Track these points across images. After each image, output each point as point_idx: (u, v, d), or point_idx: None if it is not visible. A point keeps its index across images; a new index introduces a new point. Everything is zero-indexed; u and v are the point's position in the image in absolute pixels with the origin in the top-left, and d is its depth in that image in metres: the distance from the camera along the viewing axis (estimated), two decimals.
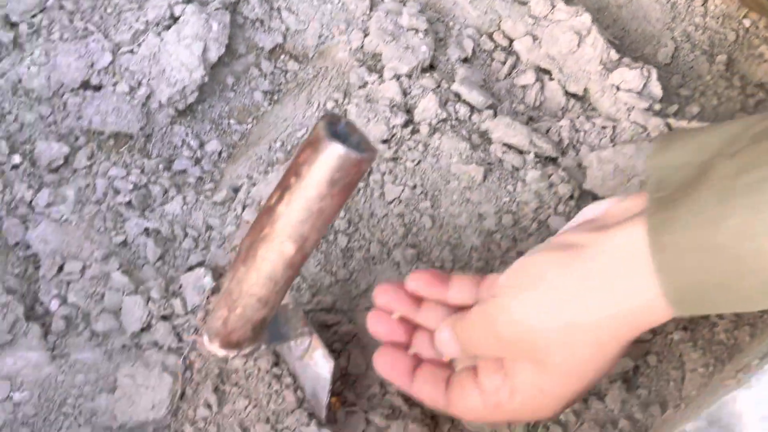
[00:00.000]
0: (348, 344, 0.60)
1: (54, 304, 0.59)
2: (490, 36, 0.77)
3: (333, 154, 0.36)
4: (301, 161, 0.38)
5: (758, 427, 0.38)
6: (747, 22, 0.80)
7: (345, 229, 0.66)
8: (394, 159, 0.68)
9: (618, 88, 0.69)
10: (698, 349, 0.55)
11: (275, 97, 0.76)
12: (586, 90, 0.71)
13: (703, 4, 0.81)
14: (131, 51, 0.71)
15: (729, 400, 0.40)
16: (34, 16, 0.72)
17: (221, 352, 0.46)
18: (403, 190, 0.66)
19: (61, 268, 0.61)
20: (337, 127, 0.38)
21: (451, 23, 0.77)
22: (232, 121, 0.75)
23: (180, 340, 0.58)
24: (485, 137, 0.69)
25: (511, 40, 0.76)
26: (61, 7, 0.73)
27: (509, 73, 0.74)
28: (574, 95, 0.72)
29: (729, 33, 0.79)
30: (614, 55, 0.72)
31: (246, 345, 0.46)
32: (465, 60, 0.75)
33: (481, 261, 0.63)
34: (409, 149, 0.68)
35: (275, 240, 0.39)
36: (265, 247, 0.40)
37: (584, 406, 0.55)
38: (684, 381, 0.54)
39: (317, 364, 0.51)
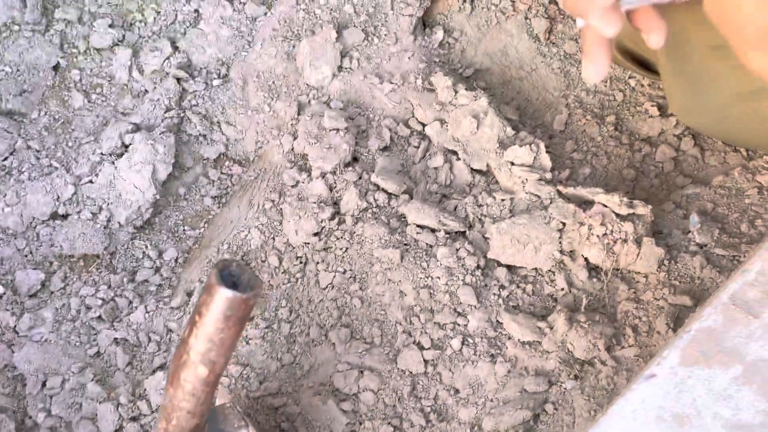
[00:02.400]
0: (294, 423, 0.69)
1: (41, 417, 0.69)
2: (406, 123, 0.87)
3: (222, 297, 0.46)
4: (201, 303, 0.48)
5: None
6: (633, 82, 0.89)
7: (287, 317, 0.75)
8: (325, 249, 0.78)
9: (512, 164, 0.78)
10: (585, 396, 0.64)
11: (223, 200, 0.87)
12: (488, 166, 0.81)
13: None
14: (90, 181, 0.82)
15: None
16: (5, 159, 0.83)
17: None
18: (334, 276, 0.76)
19: (44, 384, 0.71)
20: (230, 269, 0.48)
21: (371, 115, 0.87)
22: (186, 228, 0.85)
23: None
24: (402, 220, 0.78)
25: (423, 125, 0.86)
26: (29, 147, 0.85)
27: (423, 156, 0.84)
28: (479, 171, 0.82)
29: (617, 94, 0.89)
30: (510, 131, 0.81)
31: None
32: (384, 148, 0.85)
33: (405, 333, 0.72)
34: (337, 239, 0.78)
35: (191, 366, 0.49)
36: (185, 371, 0.49)
37: None
38: (574, 425, 0.63)
39: None
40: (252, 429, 0.60)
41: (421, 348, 0.71)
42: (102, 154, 0.83)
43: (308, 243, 0.78)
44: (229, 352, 0.49)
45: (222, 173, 0.88)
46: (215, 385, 0.51)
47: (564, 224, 0.73)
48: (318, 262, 0.77)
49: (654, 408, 0.49)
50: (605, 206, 0.73)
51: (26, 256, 0.79)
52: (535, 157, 0.78)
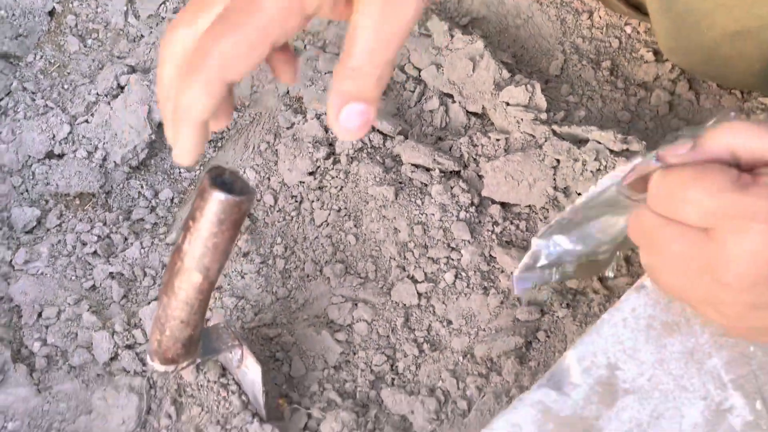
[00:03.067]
0: (289, 352, 0.70)
1: (36, 346, 0.69)
2: (402, 68, 0.87)
3: (216, 200, 0.47)
4: (195, 207, 0.48)
5: (580, 377, 0.48)
6: (629, 29, 0.89)
7: (282, 253, 0.76)
8: (320, 188, 0.78)
9: (508, 104, 0.79)
10: (577, 323, 0.64)
11: (219, 144, 0.87)
12: (483, 108, 0.81)
13: (589, 18, 0.90)
14: (86, 120, 0.82)
15: (561, 359, 0.49)
16: (1, 99, 0.84)
17: (161, 368, 0.56)
18: (329, 214, 0.77)
19: (40, 315, 0.71)
20: (223, 177, 0.49)
21: None
22: (182, 170, 0.85)
23: (143, 364, 0.68)
24: (397, 160, 0.79)
25: (419, 70, 0.86)
26: (24, 89, 0.85)
27: (418, 100, 0.84)
28: (474, 114, 0.82)
29: (613, 40, 0.89)
30: (506, 74, 0.81)
31: (181, 360, 0.56)
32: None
33: (399, 268, 0.73)
34: (332, 178, 0.78)
35: (185, 272, 0.49)
36: (179, 278, 0.50)
37: (485, 380, 0.64)
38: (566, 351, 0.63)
39: (250, 371, 0.61)
40: (245, 348, 0.60)
41: (415, 281, 0.72)
42: (97, 94, 0.83)
43: (303, 182, 0.78)
44: (223, 258, 0.50)
45: None
46: (209, 294, 0.51)
47: (558, 161, 0.74)
48: (313, 201, 0.78)
49: (644, 317, 0.50)
50: (599, 143, 0.74)
51: (22, 194, 0.79)
52: (530, 98, 0.78)
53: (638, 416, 0.46)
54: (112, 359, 0.68)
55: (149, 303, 0.71)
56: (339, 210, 0.77)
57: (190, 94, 0.42)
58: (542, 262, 0.58)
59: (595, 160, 0.72)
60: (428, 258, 0.73)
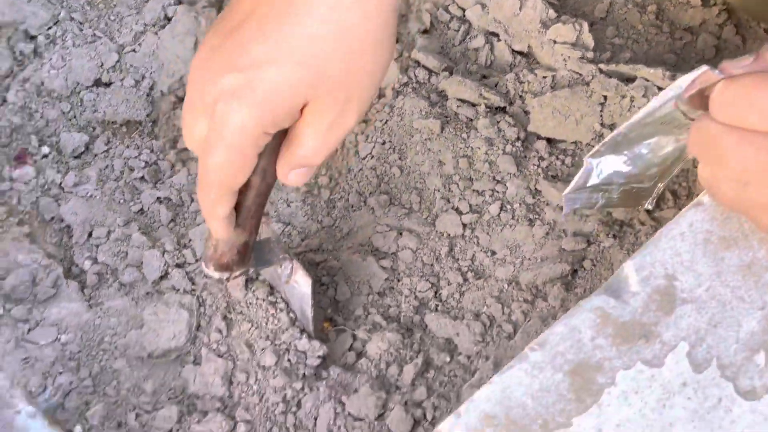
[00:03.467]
0: (335, 277, 0.71)
1: (87, 264, 0.71)
2: (446, 8, 0.87)
3: None
4: None
5: (638, 286, 0.49)
6: None
7: (327, 184, 0.76)
8: (365, 121, 0.78)
9: (555, 42, 0.79)
10: (624, 252, 0.65)
11: None
12: (529, 47, 0.81)
13: None
14: (134, 50, 0.83)
15: (619, 269, 0.50)
16: (49, 28, 0.84)
17: (216, 275, 0.57)
18: (374, 147, 0.77)
19: (90, 235, 0.72)
20: None
21: (411, 0, 0.88)
22: None
23: (193, 283, 0.69)
24: (442, 95, 0.79)
25: (464, 10, 0.86)
26: (72, 19, 0.85)
27: (463, 39, 0.85)
28: (519, 52, 0.82)
29: None
30: (552, 14, 0.81)
31: (235, 268, 0.57)
32: (424, 32, 0.85)
33: (443, 200, 0.74)
34: (377, 111, 0.79)
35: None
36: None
37: (531, 306, 0.65)
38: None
39: (299, 284, 0.62)
40: (295, 261, 0.62)
41: (459, 213, 0.72)
42: (145, 24, 0.84)
43: None
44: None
45: None
46: (266, 198, 0.52)
47: (605, 98, 0.74)
48: (357, 134, 0.78)
49: (701, 231, 0.50)
50: (647, 81, 0.74)
51: (70, 120, 0.80)
52: (577, 36, 0.78)
53: (696, 324, 0.47)
54: (161, 278, 0.69)
55: (197, 226, 0.72)
56: (384, 143, 0.77)
57: (207, 202, 0.53)
58: (593, 181, 0.59)
59: (643, 96, 0.72)
60: (473, 190, 0.73)
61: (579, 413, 0.45)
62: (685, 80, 0.49)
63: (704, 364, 0.46)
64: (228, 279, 0.57)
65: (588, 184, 0.59)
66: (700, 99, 0.48)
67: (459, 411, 0.45)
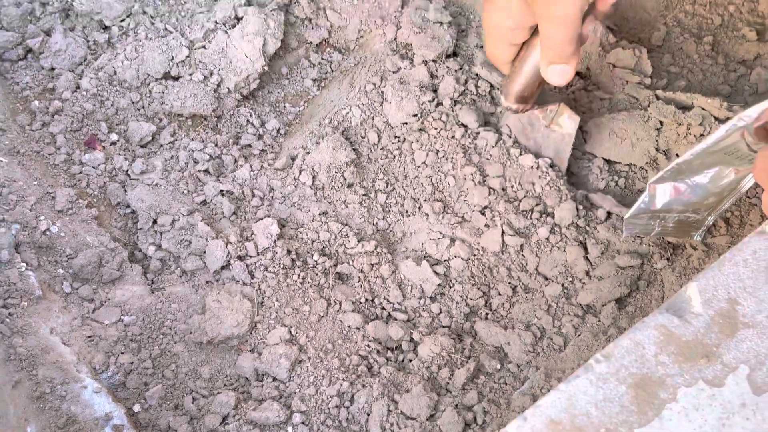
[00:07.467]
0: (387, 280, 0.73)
1: (151, 250, 0.73)
2: None
3: None
4: None
5: (701, 308, 0.50)
6: (732, 8, 0.91)
7: (383, 188, 0.79)
8: (421, 129, 0.81)
9: (614, 66, 0.81)
10: (676, 275, 0.67)
11: (322, 84, 0.90)
12: (588, 69, 0.83)
13: None
14: (204, 46, 0.85)
15: (682, 290, 0.52)
16: (122, 20, 0.87)
17: (514, 107, 0.71)
18: (427, 155, 0.79)
19: (155, 222, 0.75)
20: None
21: (471, 16, 0.90)
22: (287, 105, 0.89)
23: (252, 277, 0.71)
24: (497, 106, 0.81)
25: None
26: (144, 12, 0.88)
27: None
28: (578, 74, 0.84)
29: (715, 17, 0.90)
30: (612, 38, 0.83)
31: (530, 102, 0.71)
32: (482, 47, 0.87)
33: (490, 210, 0.75)
34: (434, 120, 0.81)
35: (533, 53, 0.65)
36: (533, 54, 0.66)
37: (581, 321, 0.67)
38: (663, 299, 0.66)
39: (563, 126, 0.74)
40: (563, 104, 0.74)
41: (511, 226, 0.74)
42: (216, 22, 0.87)
43: (406, 123, 0.81)
44: None
45: (323, 59, 0.91)
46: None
47: (662, 123, 0.76)
48: (413, 142, 0.80)
49: (765, 259, 0.52)
50: (704, 110, 0.76)
51: (139, 109, 0.83)
52: (636, 62, 0.80)
53: (756, 348, 0.49)
54: (223, 268, 0.72)
55: (259, 221, 0.75)
56: (437, 152, 0.79)
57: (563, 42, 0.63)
58: (654, 206, 0.61)
59: (700, 125, 0.74)
60: (520, 209, 0.75)
61: (641, 425, 0.46)
62: (753, 111, 0.51)
63: (763, 387, 0.47)
64: (522, 110, 0.71)
65: (651, 208, 0.61)
66: (765, 132, 0.50)
67: (525, 415, 0.47)
